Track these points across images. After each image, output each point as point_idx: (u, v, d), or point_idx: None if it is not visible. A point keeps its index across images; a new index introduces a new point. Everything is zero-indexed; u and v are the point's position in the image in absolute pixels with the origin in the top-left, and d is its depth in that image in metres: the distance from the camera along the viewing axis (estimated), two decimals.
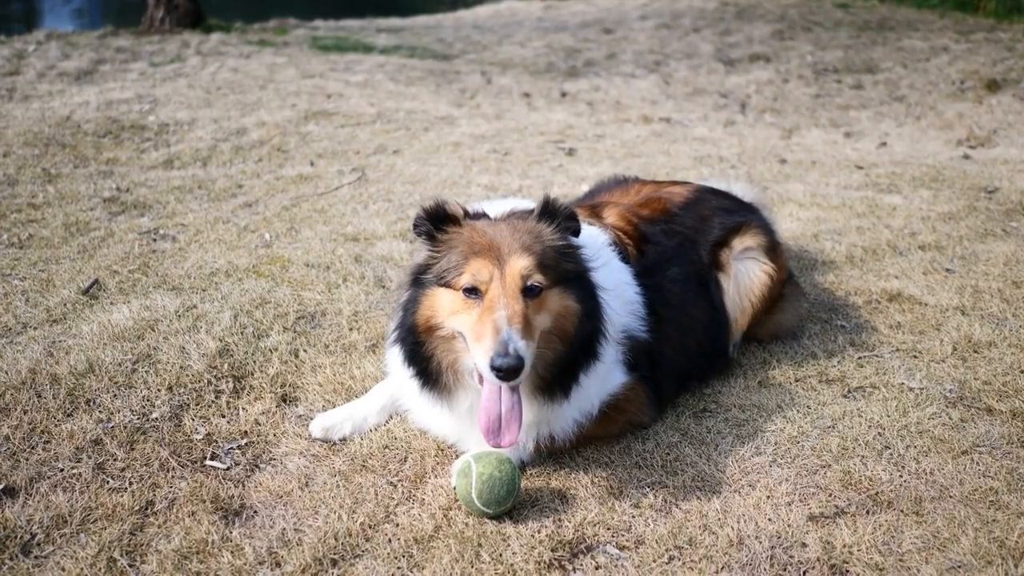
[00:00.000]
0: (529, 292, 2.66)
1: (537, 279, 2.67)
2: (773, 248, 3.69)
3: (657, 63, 11.93)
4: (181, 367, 3.41)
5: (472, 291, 2.65)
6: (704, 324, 3.45)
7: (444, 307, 2.71)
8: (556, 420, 2.87)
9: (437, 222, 2.82)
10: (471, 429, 2.82)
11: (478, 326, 2.58)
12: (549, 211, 2.85)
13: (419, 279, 2.80)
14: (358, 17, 16.82)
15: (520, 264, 2.66)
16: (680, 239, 3.52)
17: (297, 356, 3.55)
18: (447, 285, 2.71)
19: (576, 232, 2.89)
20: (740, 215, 3.76)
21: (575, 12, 16.47)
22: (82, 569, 2.39)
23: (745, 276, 3.58)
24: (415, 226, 2.86)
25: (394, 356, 2.97)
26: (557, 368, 2.77)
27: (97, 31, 13.02)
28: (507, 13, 17.08)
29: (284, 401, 3.28)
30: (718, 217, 3.68)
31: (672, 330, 3.24)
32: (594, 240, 3.11)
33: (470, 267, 2.67)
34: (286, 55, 11.67)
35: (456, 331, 2.68)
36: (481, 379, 2.63)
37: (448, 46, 13.20)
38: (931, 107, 9.24)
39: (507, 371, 2.50)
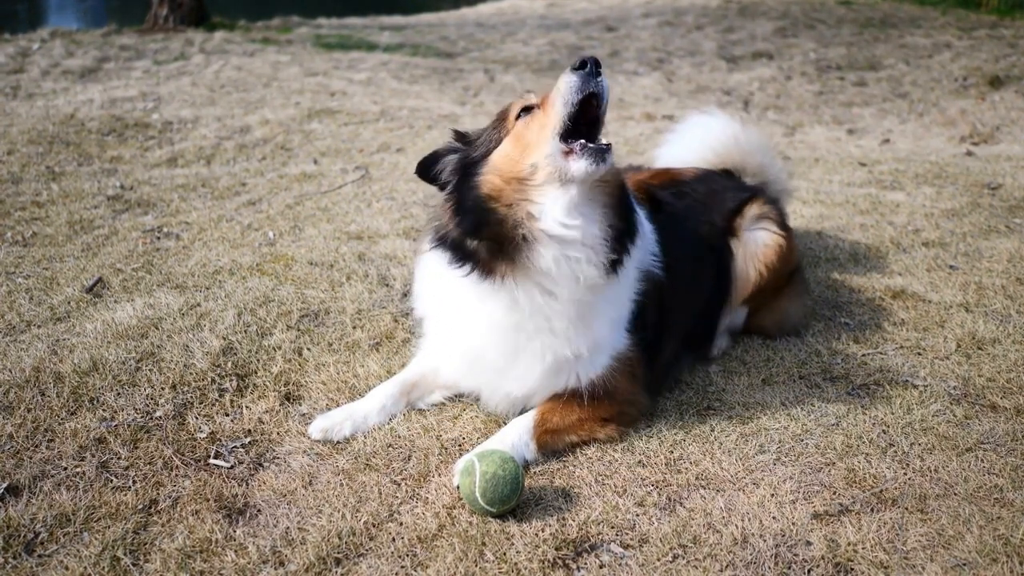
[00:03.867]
0: None
1: None
2: (783, 223, 3.70)
3: (660, 60, 11.91)
4: (185, 365, 3.41)
5: (527, 110, 2.65)
6: (706, 293, 3.47)
7: (508, 157, 2.69)
8: (596, 318, 2.87)
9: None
10: (534, 313, 2.77)
11: (544, 109, 2.59)
12: None
13: (466, 170, 2.79)
14: (361, 15, 16.86)
15: None
16: (690, 201, 3.55)
17: (301, 354, 3.56)
18: (499, 140, 2.73)
19: None
20: (751, 190, 3.82)
21: (578, 10, 16.46)
22: (85, 568, 2.39)
23: (753, 243, 3.59)
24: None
25: (426, 272, 2.99)
26: (609, 222, 2.73)
27: (101, 29, 13.05)
28: (510, 11, 17.07)
29: (288, 400, 3.28)
30: (730, 192, 3.72)
31: (677, 299, 3.23)
32: None
33: (516, 103, 2.73)
34: (290, 53, 11.67)
35: (530, 163, 2.62)
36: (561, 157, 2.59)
37: (451, 44, 13.20)
38: (934, 104, 9.22)
39: (592, 61, 2.50)
